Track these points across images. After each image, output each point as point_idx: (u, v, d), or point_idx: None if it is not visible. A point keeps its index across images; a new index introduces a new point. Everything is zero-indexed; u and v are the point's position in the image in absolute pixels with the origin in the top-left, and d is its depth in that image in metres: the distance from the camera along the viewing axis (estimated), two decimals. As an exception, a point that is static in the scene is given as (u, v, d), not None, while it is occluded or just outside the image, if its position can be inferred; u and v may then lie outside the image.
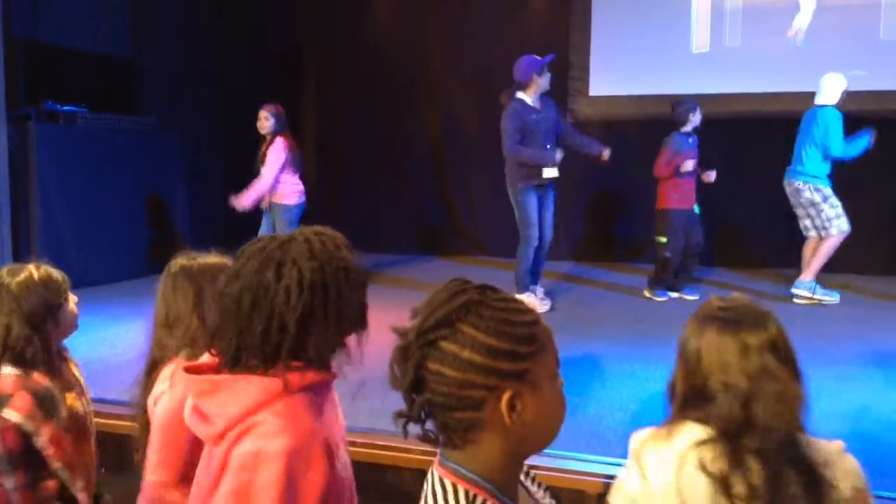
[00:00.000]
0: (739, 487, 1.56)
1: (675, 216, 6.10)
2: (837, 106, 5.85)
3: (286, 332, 1.46)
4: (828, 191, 5.90)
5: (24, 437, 2.19)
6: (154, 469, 2.02)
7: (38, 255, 6.01)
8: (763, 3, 7.39)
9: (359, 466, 1.74)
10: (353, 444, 2.11)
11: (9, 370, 2.24)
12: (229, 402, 1.45)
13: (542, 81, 5.73)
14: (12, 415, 2.18)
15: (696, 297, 6.01)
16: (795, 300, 6.01)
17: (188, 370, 1.53)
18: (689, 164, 6.01)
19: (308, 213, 6.17)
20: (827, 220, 5.90)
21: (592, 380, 4.17)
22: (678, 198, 6.10)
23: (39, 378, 2.26)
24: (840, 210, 5.89)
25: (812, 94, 6.02)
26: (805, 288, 6.01)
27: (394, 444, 3.11)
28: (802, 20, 7.24)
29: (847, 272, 6.54)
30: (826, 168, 5.90)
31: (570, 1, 7.92)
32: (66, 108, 6.83)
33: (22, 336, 2.24)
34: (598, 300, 6.32)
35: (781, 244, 6.85)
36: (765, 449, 1.57)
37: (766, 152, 6.75)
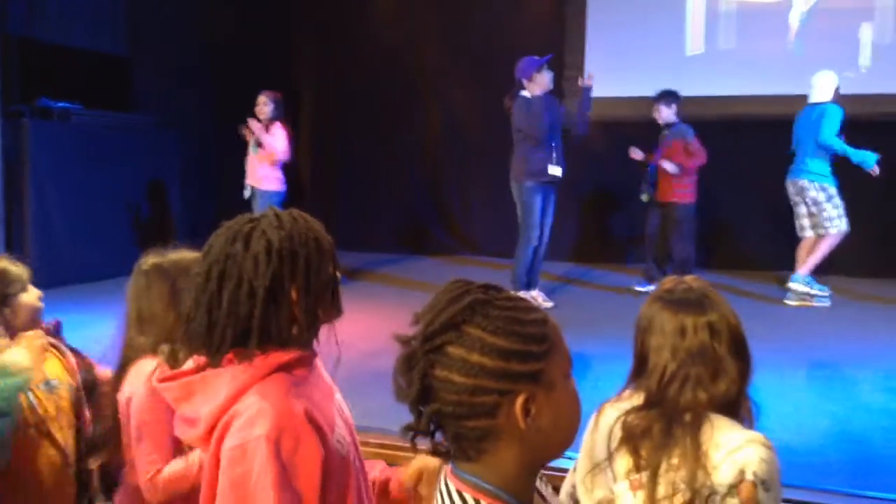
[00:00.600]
0: (642, 453, 1.67)
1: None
2: (834, 101, 5.91)
3: (255, 302, 1.43)
4: (833, 190, 5.95)
5: None
6: (147, 465, 2.03)
7: (32, 251, 6.08)
8: (757, 6, 7.42)
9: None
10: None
11: None
12: (204, 402, 1.43)
13: (544, 79, 5.79)
14: None
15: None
16: (787, 300, 6.05)
17: (162, 381, 1.50)
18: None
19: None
20: (828, 219, 5.94)
21: (584, 381, 4.18)
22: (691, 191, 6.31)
23: None
24: (842, 210, 5.95)
25: (806, 97, 6.06)
26: (801, 281, 6.04)
27: (388, 443, 3.11)
28: (800, 25, 7.28)
29: (836, 274, 6.57)
30: (829, 166, 5.94)
31: (565, 2, 7.95)
32: (60, 104, 6.82)
33: None
34: (594, 300, 6.34)
35: (775, 246, 6.88)
36: (664, 425, 1.66)
37: (759, 154, 6.78)
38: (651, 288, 6.16)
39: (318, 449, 1.41)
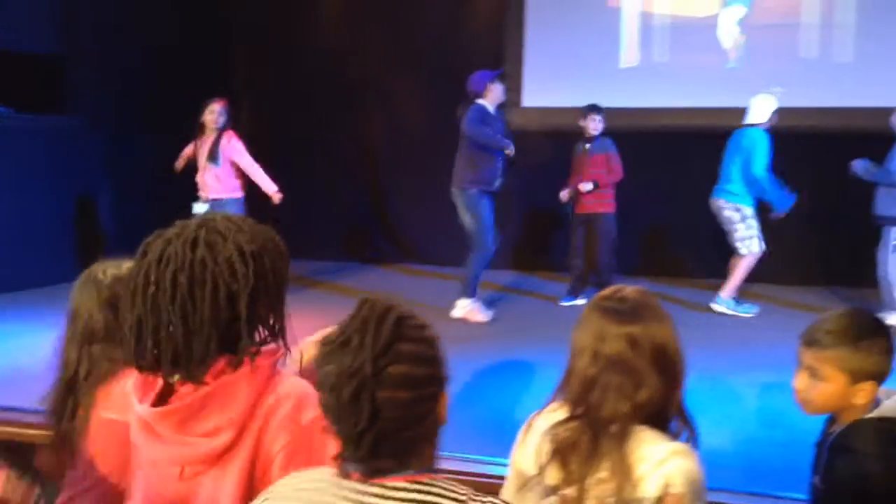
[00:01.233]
0: (572, 466, 1.63)
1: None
2: (766, 127, 6.00)
3: (237, 307, 1.43)
4: (748, 211, 6.03)
5: None
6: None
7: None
8: (691, 20, 7.60)
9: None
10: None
11: None
12: (223, 410, 1.42)
13: (498, 90, 5.84)
14: None
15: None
16: (714, 310, 6.16)
17: (155, 407, 1.46)
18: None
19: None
20: (740, 239, 6.05)
21: (521, 386, 4.23)
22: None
23: None
24: (755, 231, 6.04)
25: (739, 110, 6.17)
26: (723, 304, 6.17)
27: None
28: (731, 40, 7.47)
29: (765, 282, 6.74)
30: (749, 189, 5.99)
31: (504, 11, 8.02)
32: (-10, 108, 6.62)
33: None
34: (532, 309, 6.40)
35: (706, 255, 7.03)
36: (591, 437, 1.62)
37: (693, 166, 6.91)
38: (576, 302, 6.26)
39: None
